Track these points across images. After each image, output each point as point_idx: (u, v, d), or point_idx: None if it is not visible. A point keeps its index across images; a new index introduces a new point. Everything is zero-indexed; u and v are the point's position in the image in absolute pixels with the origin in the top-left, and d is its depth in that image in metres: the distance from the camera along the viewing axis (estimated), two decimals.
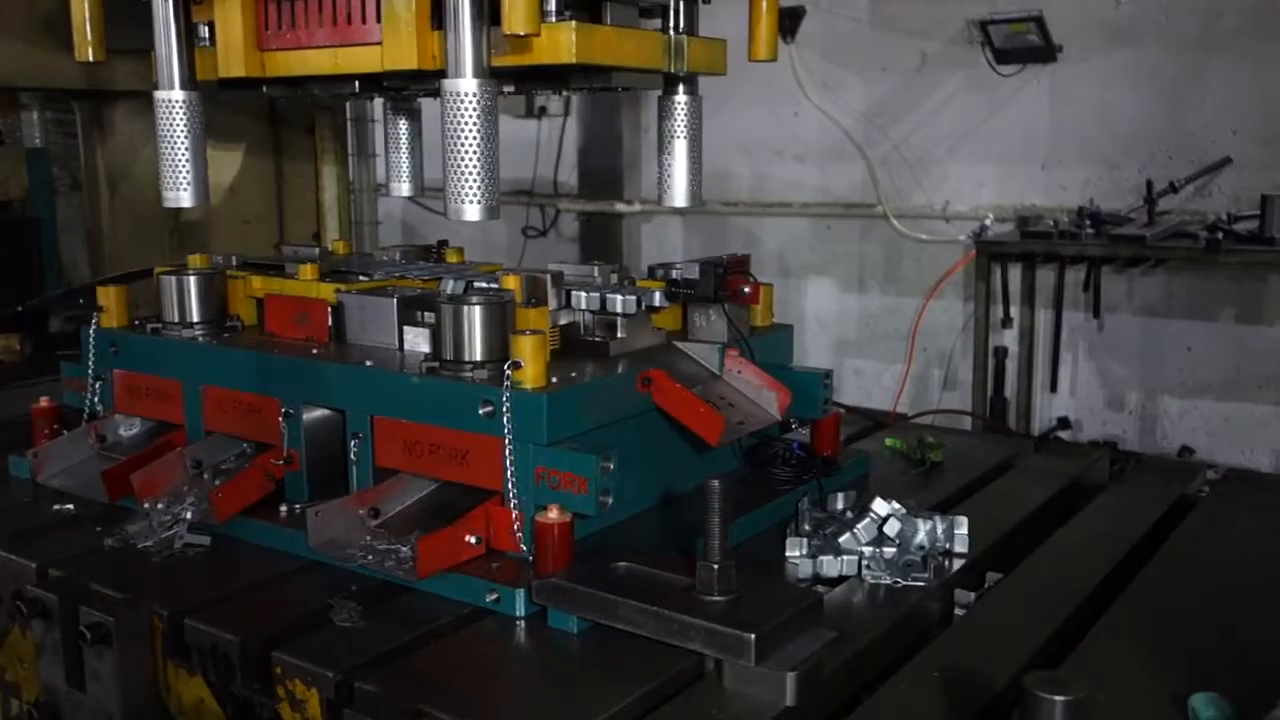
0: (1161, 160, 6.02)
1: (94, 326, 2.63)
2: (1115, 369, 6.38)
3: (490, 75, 2.06)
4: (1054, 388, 6.47)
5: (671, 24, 2.39)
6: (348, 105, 5.09)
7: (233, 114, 4.70)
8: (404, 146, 3.01)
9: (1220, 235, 5.35)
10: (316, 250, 2.93)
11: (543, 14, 2.06)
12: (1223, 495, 2.65)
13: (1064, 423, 6.46)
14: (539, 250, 8.15)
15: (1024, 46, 6.21)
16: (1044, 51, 6.19)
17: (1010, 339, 6.46)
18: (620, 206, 7.86)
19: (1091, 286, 6.07)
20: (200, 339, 2.53)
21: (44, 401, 2.73)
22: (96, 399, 2.66)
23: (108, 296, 2.64)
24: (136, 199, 4.54)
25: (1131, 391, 6.35)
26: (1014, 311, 6.39)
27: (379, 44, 2.24)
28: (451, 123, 2.04)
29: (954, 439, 3.00)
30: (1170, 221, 5.72)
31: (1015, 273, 6.32)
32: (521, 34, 1.97)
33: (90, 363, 2.65)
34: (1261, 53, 5.66)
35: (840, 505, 2.33)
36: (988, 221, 6.36)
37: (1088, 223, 5.80)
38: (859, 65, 6.85)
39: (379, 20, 2.22)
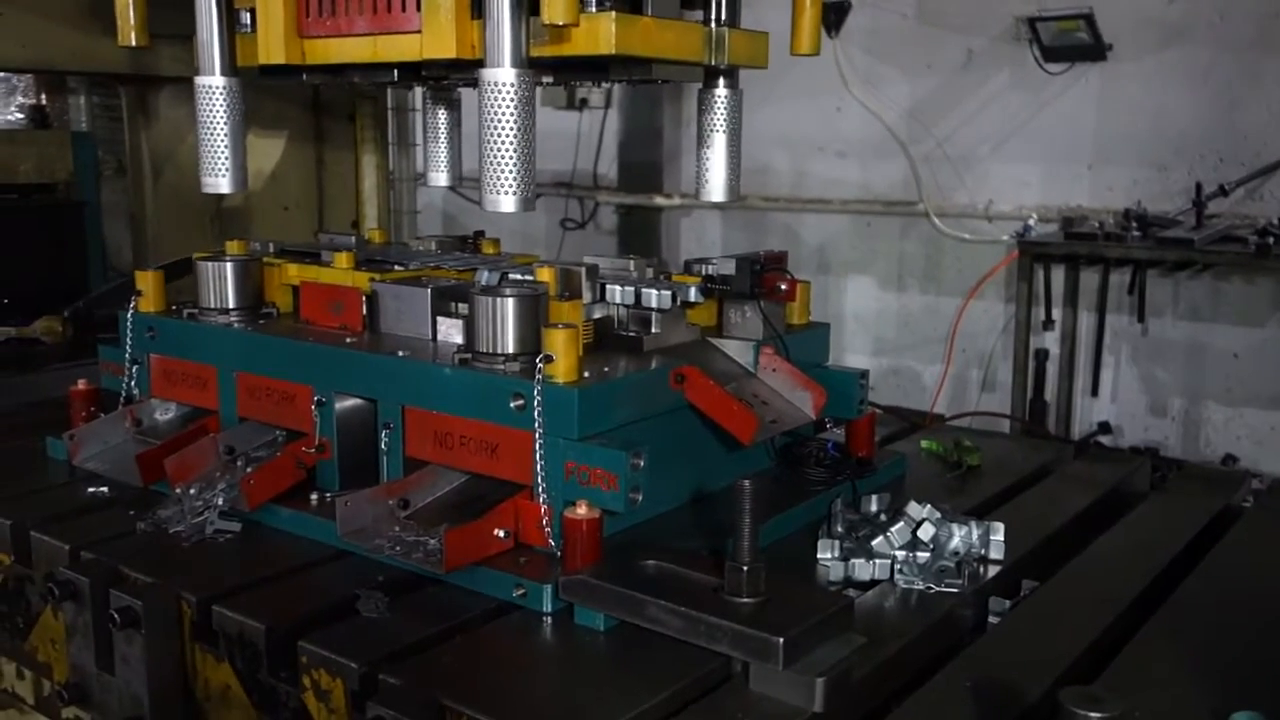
0: (1212, 162, 5.90)
1: (131, 311, 2.64)
2: (1159, 374, 6.27)
3: (529, 65, 2.05)
4: (1095, 392, 6.37)
5: (713, 16, 2.36)
6: (389, 94, 5.09)
7: (276, 101, 4.73)
8: (443, 137, 3.00)
9: (1270, 240, 5.24)
10: (353, 239, 2.93)
11: (583, 4, 2.05)
12: (1268, 507, 2.59)
13: (1105, 427, 6.36)
14: (577, 242, 8.14)
15: (1073, 44, 6.11)
16: (1093, 50, 6.09)
17: (1052, 341, 6.37)
18: (659, 200, 7.82)
19: (1136, 290, 5.96)
20: (235, 325, 2.54)
21: (82, 384, 2.75)
22: (133, 383, 2.67)
23: (145, 281, 2.65)
24: (180, 184, 4.57)
25: (1175, 397, 6.24)
26: (1056, 313, 6.29)
27: (418, 32, 2.23)
28: (489, 113, 2.03)
29: (992, 442, 2.95)
30: (1219, 225, 5.61)
31: (1058, 274, 6.23)
32: (560, 24, 1.95)
33: (127, 347, 2.66)
34: None
35: (874, 507, 2.29)
36: (1031, 222, 6.26)
37: (1134, 225, 5.70)
38: (904, 61, 6.77)
39: (419, 9, 2.21)
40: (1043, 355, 6.32)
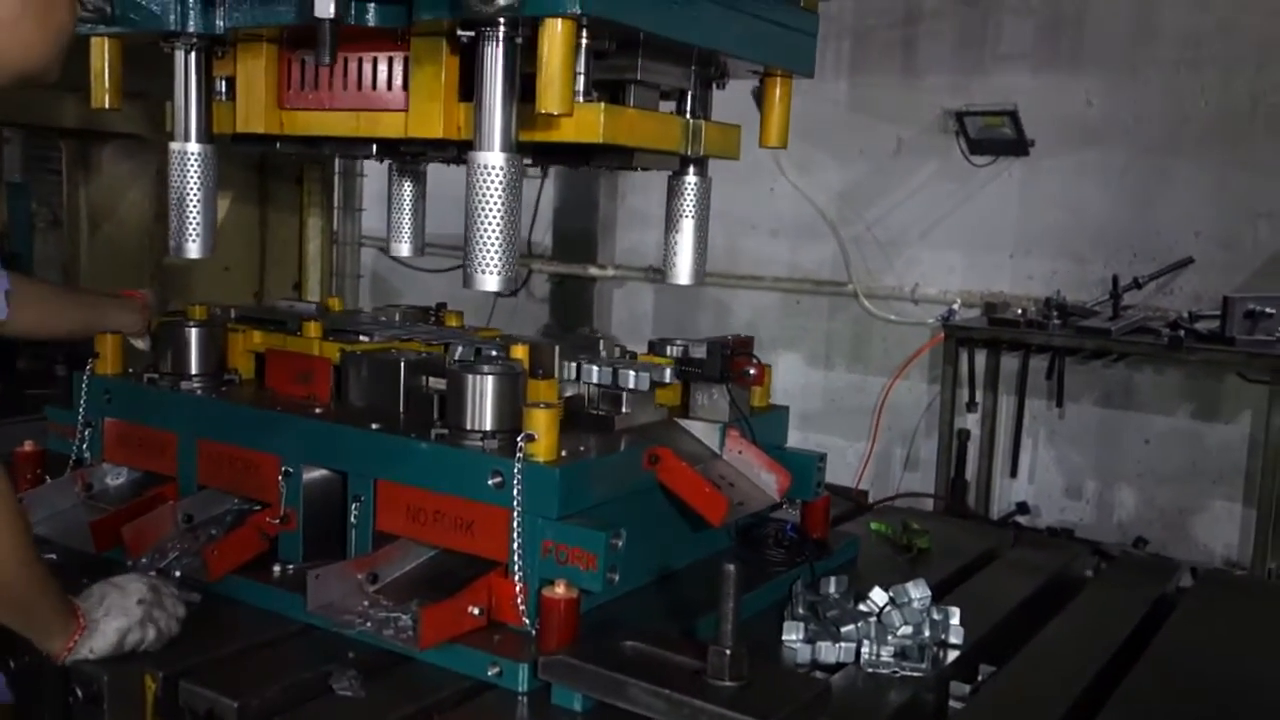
0: (1126, 256, 6.18)
1: (88, 373, 2.60)
2: (1074, 457, 6.49)
3: (516, 149, 2.10)
4: (1014, 472, 6.56)
5: (688, 108, 2.45)
6: (336, 159, 5.09)
7: (221, 162, 4.70)
8: (407, 207, 3.02)
9: (1182, 333, 5.50)
10: (315, 307, 2.93)
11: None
12: (1201, 597, 2.70)
13: (1023, 508, 6.53)
14: (508, 310, 8.14)
15: (997, 139, 6.38)
16: (1017, 145, 6.36)
17: (973, 422, 6.55)
18: (593, 270, 7.90)
19: (1055, 375, 6.19)
20: (199, 391, 2.51)
21: (28, 446, 2.68)
22: (85, 446, 2.61)
23: (104, 344, 2.61)
24: (118, 238, 4.52)
25: (1089, 480, 6.45)
26: (978, 395, 6.48)
27: (403, 111, 2.26)
28: (478, 195, 2.05)
29: (935, 525, 3.03)
30: (1134, 316, 5.87)
31: (981, 358, 6.43)
32: (555, 114, 2.01)
33: (81, 409, 2.61)
34: (1224, 160, 5.86)
35: (832, 589, 2.34)
36: (955, 306, 6.48)
37: (1054, 313, 5.93)
38: (836, 147, 6.98)
39: (405, 88, 2.25)
40: (964, 436, 6.49)
